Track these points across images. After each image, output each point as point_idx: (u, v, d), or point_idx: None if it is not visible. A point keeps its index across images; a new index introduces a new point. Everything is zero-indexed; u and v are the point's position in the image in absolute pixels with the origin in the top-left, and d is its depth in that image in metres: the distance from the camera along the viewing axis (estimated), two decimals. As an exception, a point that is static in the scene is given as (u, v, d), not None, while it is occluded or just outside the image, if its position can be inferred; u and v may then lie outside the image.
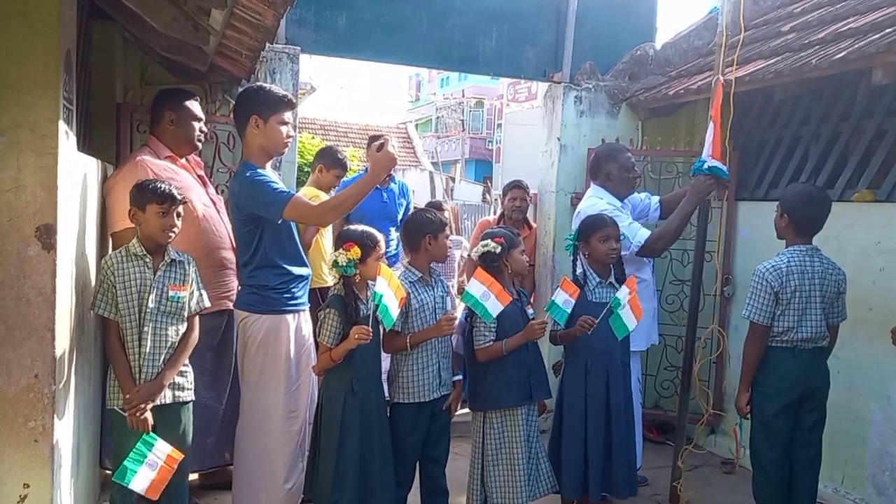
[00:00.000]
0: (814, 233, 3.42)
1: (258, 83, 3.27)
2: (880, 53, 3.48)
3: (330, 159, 5.04)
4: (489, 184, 24.04)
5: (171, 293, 2.92)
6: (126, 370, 2.85)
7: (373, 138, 4.08)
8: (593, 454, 3.59)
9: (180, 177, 3.52)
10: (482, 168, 31.99)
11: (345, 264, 3.12)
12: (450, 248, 3.61)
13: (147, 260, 2.90)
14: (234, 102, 3.28)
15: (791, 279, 3.32)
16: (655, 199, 4.60)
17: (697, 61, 5.21)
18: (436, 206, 6.13)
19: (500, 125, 30.75)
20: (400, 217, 5.51)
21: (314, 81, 22.23)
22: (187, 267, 3.01)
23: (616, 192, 4.31)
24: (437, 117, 34.65)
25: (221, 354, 3.75)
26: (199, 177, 3.76)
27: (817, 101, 4.53)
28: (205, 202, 3.62)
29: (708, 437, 5.10)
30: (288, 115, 3.27)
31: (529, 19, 5.38)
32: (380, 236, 3.29)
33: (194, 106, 3.69)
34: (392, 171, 5.29)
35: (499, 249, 3.46)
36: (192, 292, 3.04)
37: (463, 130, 31.98)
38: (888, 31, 3.66)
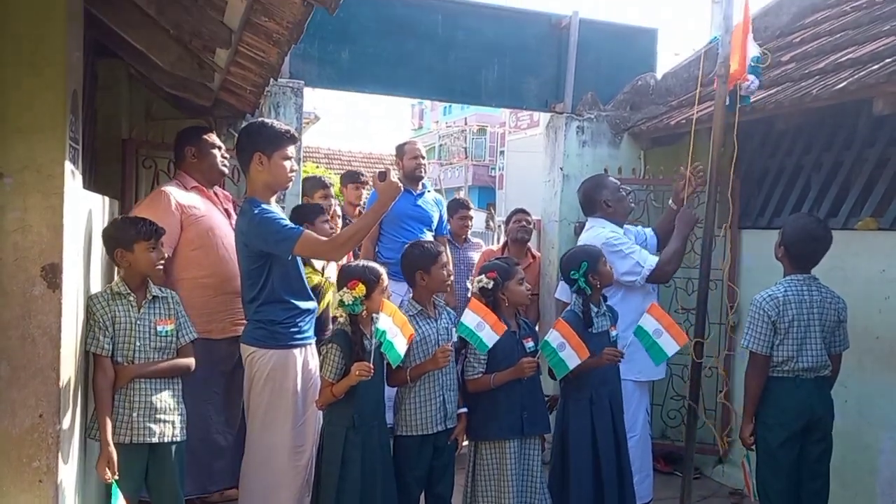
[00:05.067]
0: (811, 267, 3.42)
1: (260, 119, 3.30)
2: (880, 84, 3.50)
3: (308, 185, 5.06)
4: (492, 210, 24.09)
5: (158, 328, 2.99)
6: (108, 412, 2.87)
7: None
8: (609, 486, 3.56)
9: (204, 206, 3.61)
10: (485, 195, 32.05)
11: (351, 303, 3.12)
12: (450, 275, 3.59)
13: (131, 298, 2.97)
14: (237, 137, 3.30)
15: (788, 308, 3.31)
16: (649, 230, 4.60)
17: (699, 91, 5.22)
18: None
19: (502, 152, 30.88)
20: (434, 225, 5.49)
21: (318, 111, 22.42)
22: (171, 301, 3.07)
23: (615, 219, 4.32)
24: (441, 145, 34.82)
25: (235, 380, 3.75)
26: (225, 209, 3.80)
27: (819, 130, 4.55)
28: (226, 232, 3.65)
29: (716, 468, 5.06)
30: (291, 150, 3.29)
31: (531, 51, 5.43)
32: (381, 269, 3.29)
33: (211, 137, 3.78)
34: (420, 186, 5.36)
35: (491, 284, 3.45)
36: (180, 325, 3.10)
37: (466, 157, 32.12)
38: (888, 61, 3.68)
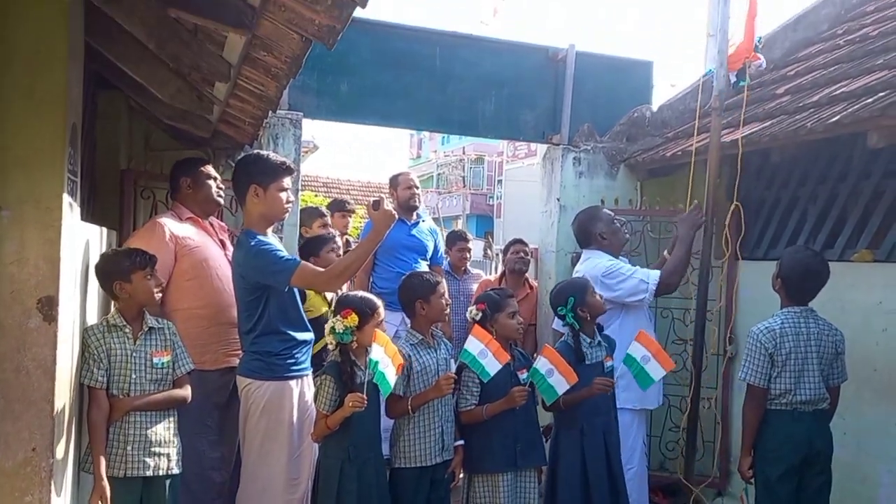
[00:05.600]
0: (809, 300, 3.43)
1: (256, 151, 3.32)
2: (874, 117, 3.53)
3: (305, 216, 5.07)
4: (490, 239, 24.12)
5: (155, 360, 2.99)
6: (102, 446, 2.85)
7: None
8: None
9: (199, 237, 3.61)
10: (483, 223, 32.13)
11: (342, 331, 3.12)
12: (448, 304, 3.59)
13: (127, 330, 2.97)
14: (234, 169, 3.31)
15: (785, 341, 3.31)
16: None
17: (693, 122, 5.26)
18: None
19: (500, 181, 31.02)
20: (429, 255, 5.48)
21: (317, 140, 22.50)
22: (167, 332, 3.07)
23: (610, 251, 4.33)
24: (439, 174, 34.97)
25: (230, 414, 3.73)
26: (220, 240, 3.81)
27: (814, 162, 4.58)
28: (220, 263, 3.65)
29: (715, 501, 5.01)
30: (287, 181, 3.30)
31: (528, 83, 5.48)
32: (378, 302, 3.29)
33: (207, 168, 3.79)
34: (414, 216, 5.37)
35: (479, 316, 3.46)
36: (176, 356, 3.09)
37: (464, 186, 32.24)
38: (881, 94, 3.72)
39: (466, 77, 5.34)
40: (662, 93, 6.36)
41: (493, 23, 6.96)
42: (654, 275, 4.11)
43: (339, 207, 6.04)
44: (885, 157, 4.08)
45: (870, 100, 3.72)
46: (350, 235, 6.05)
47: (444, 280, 5.21)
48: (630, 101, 5.67)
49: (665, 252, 4.61)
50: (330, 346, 3.24)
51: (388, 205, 3.22)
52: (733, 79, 4.27)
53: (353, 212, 5.97)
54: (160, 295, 3.12)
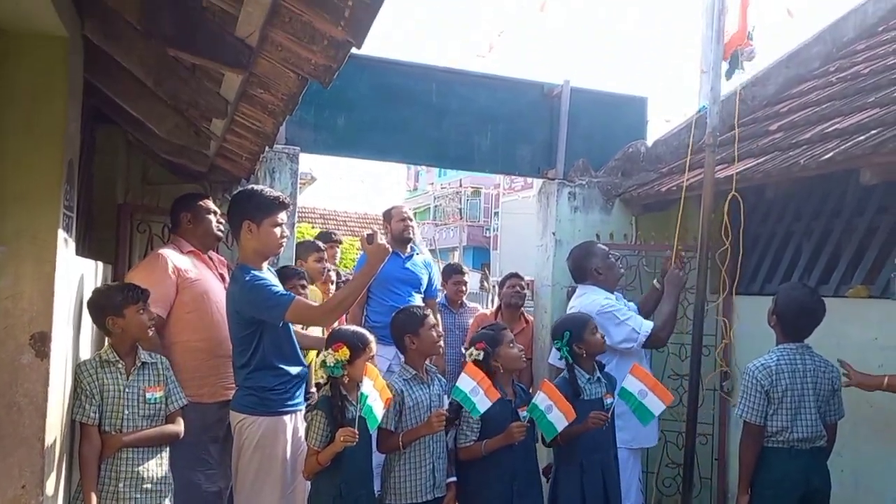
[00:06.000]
0: (804, 337, 3.43)
1: (250, 186, 3.32)
2: (867, 155, 3.56)
3: (302, 249, 5.06)
4: (487, 271, 24.13)
5: (147, 395, 2.97)
6: (93, 483, 2.83)
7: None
8: None
9: (199, 270, 3.63)
10: (480, 255, 32.17)
11: (333, 365, 3.10)
12: (440, 336, 3.58)
13: (120, 365, 2.96)
14: (228, 204, 3.32)
15: (781, 377, 3.31)
16: (633, 305, 4.59)
17: (688, 158, 5.31)
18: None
19: (496, 213, 31.13)
20: (423, 288, 5.48)
21: (314, 171, 22.54)
22: (160, 367, 3.06)
23: (605, 286, 4.33)
24: (436, 205, 35.09)
25: (228, 446, 3.69)
26: (220, 274, 3.81)
27: (808, 198, 4.61)
28: (220, 297, 3.65)
29: (713, 538, 4.96)
30: (282, 217, 3.29)
31: (523, 119, 5.53)
32: (370, 337, 3.28)
33: (207, 202, 3.82)
34: (408, 249, 5.37)
35: (482, 356, 3.44)
36: (169, 391, 3.08)
37: (461, 218, 32.33)
38: (873, 132, 3.75)
39: (462, 112, 5.39)
40: (657, 128, 6.42)
41: (488, 57, 7.10)
42: (646, 326, 4.11)
43: (326, 239, 6.03)
44: (879, 193, 4.11)
45: (862, 137, 3.76)
46: (341, 268, 6.03)
47: (432, 312, 5.23)
48: (625, 136, 5.72)
49: (655, 281, 4.61)
50: (321, 381, 3.23)
51: (382, 238, 3.22)
52: (726, 66, 4.31)
53: (340, 242, 5.97)
54: (153, 329, 3.11)
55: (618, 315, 4.10)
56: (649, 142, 5.79)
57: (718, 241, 4.57)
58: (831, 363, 3.42)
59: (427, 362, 3.61)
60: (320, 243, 5.31)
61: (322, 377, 3.22)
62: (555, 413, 3.35)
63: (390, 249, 3.24)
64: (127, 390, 2.95)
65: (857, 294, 4.14)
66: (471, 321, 5.83)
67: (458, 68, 5.57)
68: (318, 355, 3.45)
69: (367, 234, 3.20)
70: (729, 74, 4.40)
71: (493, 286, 17.16)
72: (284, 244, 3.40)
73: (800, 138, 4.31)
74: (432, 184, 35.83)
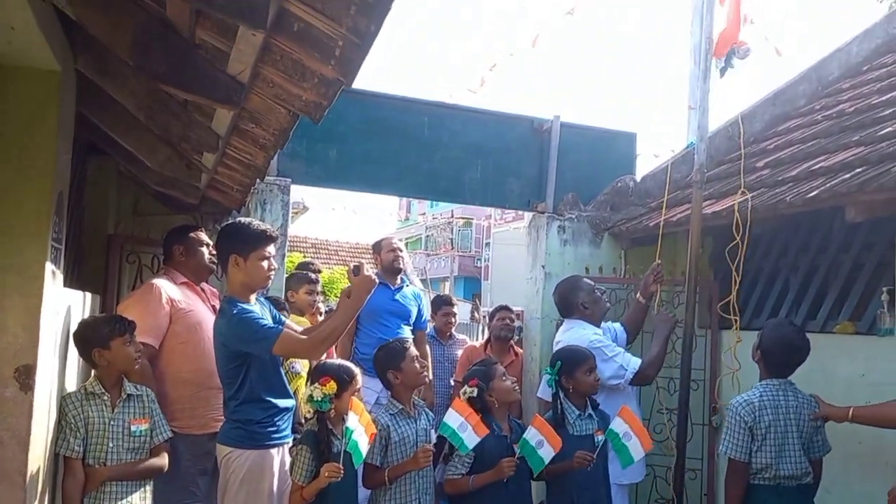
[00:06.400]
0: (788, 373, 3.43)
1: (238, 219, 3.30)
2: (851, 193, 3.59)
3: (294, 281, 5.03)
4: (478, 302, 24.10)
5: (133, 428, 2.96)
6: None
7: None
8: None
9: (192, 301, 3.63)
10: (471, 285, 32.15)
11: (320, 399, 3.09)
12: (423, 367, 3.57)
13: (105, 398, 2.95)
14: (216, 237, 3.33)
15: (764, 414, 3.30)
16: (618, 325, 4.62)
17: (676, 193, 5.37)
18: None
19: (488, 244, 31.18)
20: (413, 320, 5.46)
21: (306, 201, 22.50)
22: (146, 399, 3.04)
23: (592, 320, 4.34)
24: (427, 235, 35.13)
25: (216, 479, 3.66)
26: (212, 306, 3.81)
27: (794, 235, 4.65)
28: (212, 329, 3.64)
29: (703, 576, 4.92)
30: (270, 249, 3.27)
31: (513, 153, 5.58)
32: (356, 370, 3.27)
33: (199, 234, 3.82)
34: (398, 280, 5.36)
35: (475, 392, 3.44)
36: (155, 424, 3.07)
37: (452, 248, 32.37)
38: (858, 170, 3.80)
39: (453, 146, 5.43)
40: (647, 163, 6.47)
41: (480, 91, 7.17)
42: (633, 363, 4.12)
43: (304, 268, 6.01)
44: (864, 230, 4.15)
45: (847, 175, 3.80)
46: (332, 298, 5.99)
47: (421, 344, 5.22)
48: (614, 170, 5.77)
49: (638, 294, 4.62)
50: (307, 415, 3.21)
51: (369, 270, 3.22)
52: (721, 64, 4.35)
53: (320, 271, 5.94)
54: (140, 361, 3.10)
55: (606, 351, 4.10)
56: (638, 176, 5.84)
57: (706, 276, 4.60)
58: (814, 400, 3.43)
59: (415, 396, 3.59)
60: (312, 275, 5.31)
61: (309, 412, 3.20)
62: (545, 448, 3.35)
63: (377, 281, 3.24)
64: (112, 423, 2.93)
65: (844, 330, 4.17)
66: (460, 353, 5.82)
67: (449, 102, 5.63)
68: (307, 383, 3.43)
69: (354, 266, 3.20)
70: (722, 72, 4.44)
71: (484, 317, 17.13)
72: (272, 277, 3.39)
73: (786, 175, 4.36)
74: (424, 214, 35.91)
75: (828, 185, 3.82)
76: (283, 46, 1.97)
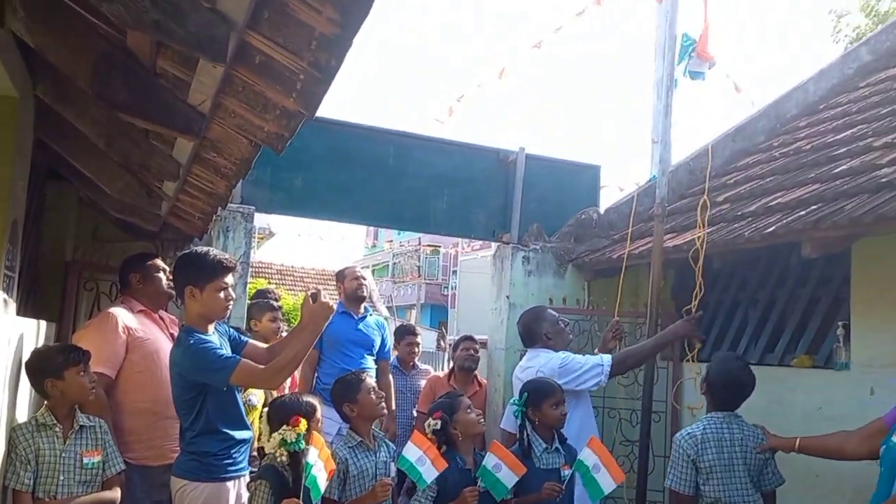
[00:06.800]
0: (733, 408, 3.41)
1: (195, 249, 3.23)
2: (807, 230, 3.67)
3: (256, 309, 4.97)
4: (444, 330, 24.05)
5: (85, 460, 2.89)
6: None
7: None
8: None
9: (149, 329, 3.56)
10: (437, 313, 32.07)
11: (294, 441, 3.04)
12: (381, 398, 3.53)
13: (57, 429, 2.88)
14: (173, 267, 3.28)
15: (708, 447, 3.29)
16: None
17: (639, 226, 5.45)
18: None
19: (455, 271, 31.18)
20: (376, 349, 5.41)
21: (273, 226, 22.33)
22: (98, 431, 2.97)
23: (556, 349, 4.35)
24: (394, 263, 35.06)
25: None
26: (171, 334, 3.75)
27: (753, 269, 4.73)
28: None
29: None
30: (228, 279, 3.21)
31: (479, 183, 5.61)
32: (316, 402, 3.24)
33: (156, 261, 3.77)
34: (361, 309, 5.31)
35: (439, 425, 3.41)
36: (107, 455, 3.00)
37: (419, 276, 32.33)
38: (813, 207, 3.89)
39: (419, 175, 5.45)
40: (612, 195, 6.56)
41: (447, 121, 7.25)
42: (606, 358, 4.10)
43: (262, 296, 5.96)
44: (820, 265, 4.23)
45: (803, 212, 3.89)
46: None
47: (384, 374, 5.17)
48: (578, 202, 5.83)
49: (597, 350, 4.64)
50: (282, 459, 3.14)
51: (326, 297, 3.19)
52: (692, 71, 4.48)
53: (279, 298, 5.89)
54: (94, 392, 3.03)
55: (579, 360, 4.07)
56: (602, 209, 5.91)
57: (668, 309, 4.65)
58: (760, 432, 3.40)
59: (375, 428, 3.56)
60: (274, 303, 5.25)
61: (266, 442, 3.15)
62: (504, 471, 3.31)
63: (334, 308, 3.21)
64: (63, 455, 2.86)
65: (802, 363, 4.23)
66: (423, 383, 5.78)
67: (416, 133, 5.66)
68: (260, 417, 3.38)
69: (311, 293, 3.17)
70: (694, 75, 4.56)
71: (450, 345, 17.08)
72: (230, 308, 3.34)
73: (745, 210, 4.44)
74: (391, 241, 35.86)
75: (784, 221, 3.90)
76: (245, 78, 1.97)
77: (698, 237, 4.25)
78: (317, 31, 1.60)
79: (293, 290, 19.91)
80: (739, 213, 4.45)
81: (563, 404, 3.71)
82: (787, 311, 4.52)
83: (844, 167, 4.26)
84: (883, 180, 3.70)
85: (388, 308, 25.33)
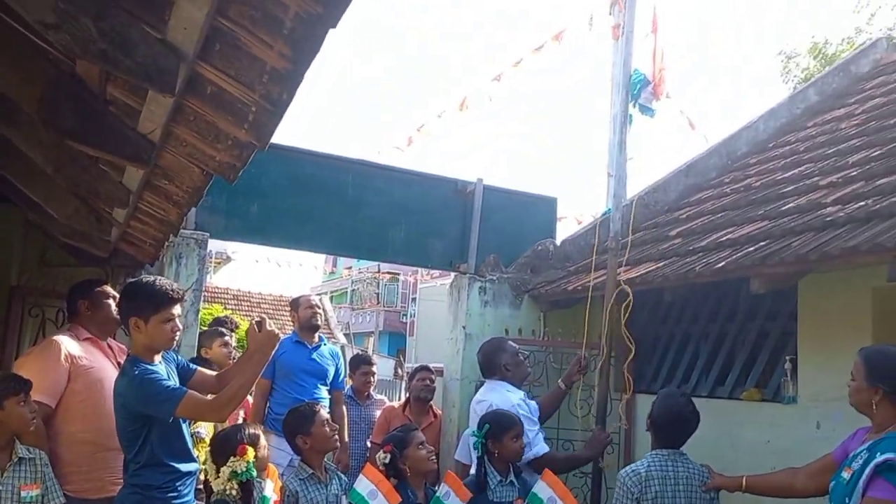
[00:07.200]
0: (678, 444, 3.40)
1: (142, 279, 3.15)
2: (755, 266, 3.75)
3: (206, 337, 4.90)
4: (402, 358, 23.91)
5: (23, 493, 2.81)
6: None
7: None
8: None
9: (95, 357, 3.47)
10: (395, 341, 31.91)
11: (245, 470, 2.99)
12: (334, 431, 3.49)
13: None
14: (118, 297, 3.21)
15: (651, 484, 3.27)
16: (534, 403, 4.56)
17: (594, 258, 5.50)
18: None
19: (414, 299, 31.11)
20: (330, 379, 5.33)
21: (230, 251, 22.11)
22: (38, 463, 2.89)
23: (515, 381, 4.34)
24: (353, 290, 34.86)
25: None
26: (118, 362, 3.65)
27: (704, 302, 4.80)
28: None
29: None
30: (174, 310, 3.13)
31: (437, 213, 5.64)
32: (259, 432, 3.19)
33: (105, 288, 3.69)
34: (316, 338, 5.25)
35: (388, 459, 3.38)
36: (47, 489, 2.92)
37: (378, 303, 32.18)
38: (762, 244, 3.98)
39: (377, 204, 5.45)
40: (571, 227, 6.65)
41: (407, 150, 7.30)
42: (540, 448, 4.01)
43: (219, 325, 5.88)
44: (768, 300, 4.31)
45: (751, 248, 3.97)
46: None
47: (337, 404, 5.11)
48: (535, 234, 5.89)
49: (560, 381, 4.66)
50: (233, 493, 3.07)
51: (272, 325, 3.15)
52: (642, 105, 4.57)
53: (237, 327, 5.81)
54: (35, 423, 2.94)
55: (524, 422, 4.03)
56: (558, 240, 5.97)
57: (621, 341, 4.68)
58: (705, 470, 3.40)
59: (328, 459, 3.51)
60: (224, 329, 5.17)
61: (214, 479, 3.08)
62: (452, 498, 3.30)
63: (280, 336, 3.18)
64: (0, 488, 2.76)
65: (751, 397, 4.29)
66: (378, 413, 5.73)
67: (375, 161, 5.68)
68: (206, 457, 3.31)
69: (256, 321, 3.12)
70: (644, 111, 4.65)
71: (408, 372, 16.98)
72: (177, 338, 3.27)
73: (696, 245, 4.53)
74: (350, 268, 35.68)
75: (734, 257, 3.98)
76: (196, 108, 1.95)
77: (619, 284, 4.33)
78: (268, 66, 1.60)
79: (250, 315, 19.64)
80: (691, 248, 4.53)
81: (522, 437, 3.71)
82: (737, 344, 4.59)
83: (792, 205, 4.37)
84: (828, 219, 3.81)
85: (346, 335, 25.12)
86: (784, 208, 4.39)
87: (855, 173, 4.40)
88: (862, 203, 3.84)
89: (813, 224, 3.87)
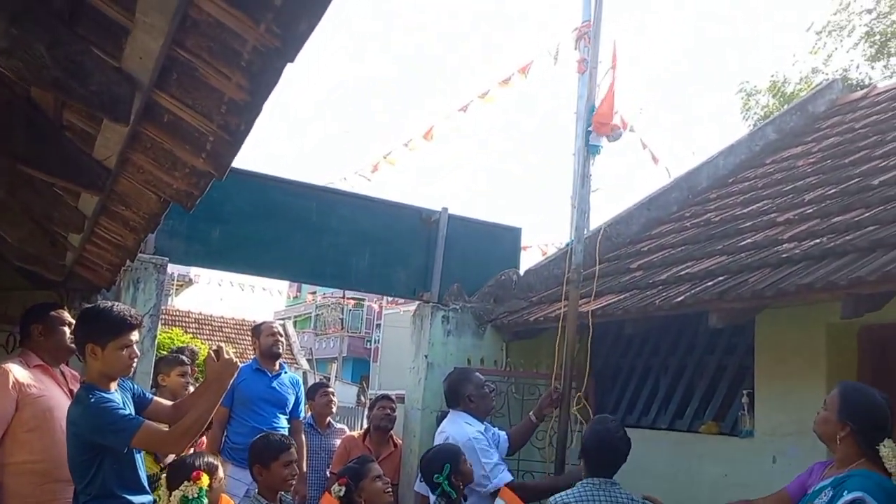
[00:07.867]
0: (610, 473, 3.27)
1: (98, 305, 3.08)
2: (713, 300, 3.80)
3: (164, 364, 4.79)
4: (365, 385, 23.73)
5: None
6: None
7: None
8: None
9: (45, 385, 3.37)
10: (359, 367, 31.69)
11: (197, 496, 2.92)
12: (293, 476, 3.44)
13: None
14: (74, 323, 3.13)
15: None
16: (503, 433, 4.54)
17: (556, 289, 5.53)
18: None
19: (378, 325, 30.98)
20: (290, 409, 5.23)
21: (192, 274, 21.78)
22: None
23: (478, 413, 4.32)
24: (317, 315, 34.59)
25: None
26: (70, 390, 3.55)
27: (664, 335, 4.84)
28: (66, 414, 3.39)
29: None
30: (132, 336, 3.07)
31: (401, 242, 5.62)
32: (218, 462, 3.13)
33: (61, 313, 3.58)
34: (276, 366, 5.16)
35: (342, 492, 3.33)
36: None
37: (342, 329, 31.95)
38: (720, 279, 4.03)
39: (341, 232, 5.43)
40: (536, 257, 6.69)
41: (372, 178, 7.32)
42: (502, 479, 3.94)
43: (179, 353, 5.78)
44: (726, 334, 4.37)
45: (710, 283, 4.02)
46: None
47: (297, 433, 5.03)
48: (499, 264, 5.90)
49: (531, 413, 4.64)
50: None
51: (230, 353, 3.10)
52: (597, 142, 4.57)
53: (195, 357, 5.71)
54: None
55: (479, 455, 3.99)
56: (522, 270, 5.99)
57: (582, 372, 4.69)
58: (638, 499, 3.26)
59: (281, 493, 3.45)
60: (184, 357, 5.08)
61: (164, 500, 3.01)
62: None
63: (239, 365, 3.13)
64: None
65: (709, 430, 4.32)
66: (338, 442, 5.65)
67: (339, 189, 5.66)
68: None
69: (214, 350, 3.07)
70: (592, 151, 4.65)
71: (370, 399, 16.82)
72: (134, 365, 3.21)
73: (656, 279, 4.57)
74: (314, 293, 35.44)
75: (693, 291, 4.03)
76: (153, 136, 1.93)
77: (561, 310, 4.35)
78: (227, 97, 1.59)
79: (211, 339, 19.35)
80: (651, 282, 4.57)
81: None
82: (696, 377, 4.63)
83: (749, 241, 4.44)
84: (784, 255, 3.87)
85: (309, 361, 24.86)
86: (742, 244, 4.46)
87: (811, 210, 4.49)
88: (817, 241, 3.91)
89: (769, 260, 3.93)
